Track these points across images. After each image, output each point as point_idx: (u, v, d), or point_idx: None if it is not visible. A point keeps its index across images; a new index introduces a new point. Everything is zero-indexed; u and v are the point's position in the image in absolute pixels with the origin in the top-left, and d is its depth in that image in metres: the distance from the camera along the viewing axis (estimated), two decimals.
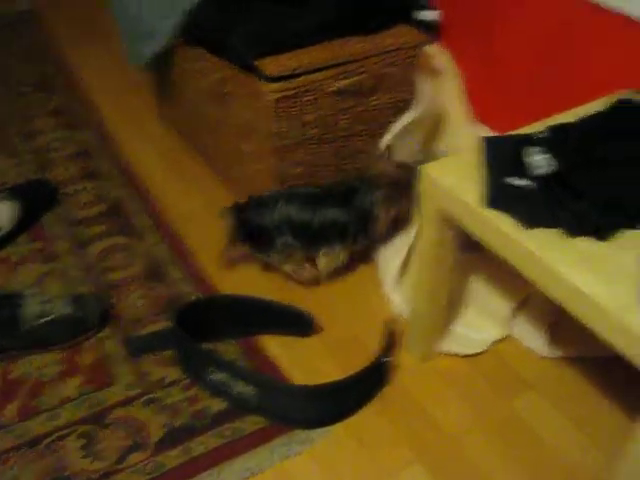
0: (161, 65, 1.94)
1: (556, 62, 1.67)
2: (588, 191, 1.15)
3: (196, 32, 1.75)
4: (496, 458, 1.36)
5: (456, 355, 1.54)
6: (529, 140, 1.26)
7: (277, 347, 1.55)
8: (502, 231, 1.16)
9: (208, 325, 1.54)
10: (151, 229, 1.85)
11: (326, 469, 1.33)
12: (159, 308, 1.62)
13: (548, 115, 1.72)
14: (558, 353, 1.55)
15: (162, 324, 1.58)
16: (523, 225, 1.16)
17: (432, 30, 1.83)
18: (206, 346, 1.53)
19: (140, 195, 1.98)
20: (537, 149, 1.18)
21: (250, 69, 1.60)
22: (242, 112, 1.70)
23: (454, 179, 1.26)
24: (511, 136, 1.32)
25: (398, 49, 1.69)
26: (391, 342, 1.50)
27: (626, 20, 1.49)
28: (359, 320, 1.63)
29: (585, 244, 1.12)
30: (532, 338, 1.55)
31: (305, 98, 1.62)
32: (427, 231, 1.35)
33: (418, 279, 1.44)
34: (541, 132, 1.28)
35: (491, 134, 1.86)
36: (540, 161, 1.17)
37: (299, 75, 1.58)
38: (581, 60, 1.61)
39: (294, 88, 1.59)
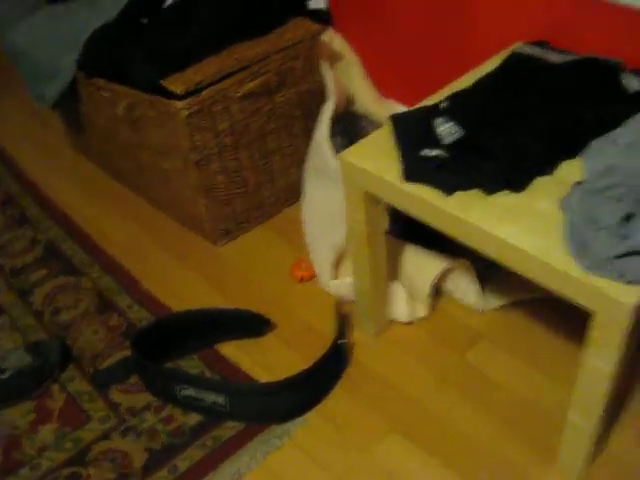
0: (67, 100, 1.94)
1: (447, 26, 1.75)
2: (495, 149, 1.23)
3: (95, 64, 1.76)
4: (462, 409, 1.45)
5: (404, 322, 1.62)
6: (435, 111, 1.33)
7: (237, 352, 1.60)
8: (425, 201, 1.24)
9: (166, 345, 1.58)
10: (91, 263, 1.87)
11: (309, 455, 1.39)
12: (116, 338, 1.65)
13: (450, 79, 1.82)
14: (494, 304, 1.64)
15: (122, 353, 1.62)
16: (443, 192, 1.23)
17: (324, 17, 1.89)
18: (169, 366, 1.57)
19: (72, 232, 1.98)
20: (442, 119, 1.25)
21: (156, 91, 1.63)
22: (156, 133, 1.72)
23: (372, 161, 1.32)
24: (417, 110, 1.39)
25: (297, 43, 1.74)
26: (343, 324, 1.57)
27: None
28: (309, 310, 1.69)
29: (502, 199, 1.20)
30: (468, 296, 1.64)
31: (215, 108, 1.65)
32: (355, 213, 1.42)
33: (356, 260, 1.50)
34: (443, 102, 1.35)
35: (400, 108, 1.96)
36: (447, 130, 1.24)
37: (205, 87, 1.62)
38: (472, 19, 1.69)
39: (202, 101, 1.62)
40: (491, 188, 1.22)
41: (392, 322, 1.63)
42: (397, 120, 1.38)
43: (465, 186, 1.24)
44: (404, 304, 1.59)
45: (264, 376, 1.54)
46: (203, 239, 1.90)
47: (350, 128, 1.80)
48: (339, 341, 1.52)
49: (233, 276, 1.80)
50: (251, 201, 1.87)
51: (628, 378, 1.46)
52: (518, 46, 1.54)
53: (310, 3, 1.88)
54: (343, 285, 1.64)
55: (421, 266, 1.61)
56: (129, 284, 1.80)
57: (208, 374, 1.55)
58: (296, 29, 1.77)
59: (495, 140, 1.23)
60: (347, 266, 1.71)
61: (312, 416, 1.46)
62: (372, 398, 1.49)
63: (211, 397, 1.43)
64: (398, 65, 1.93)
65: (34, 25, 1.88)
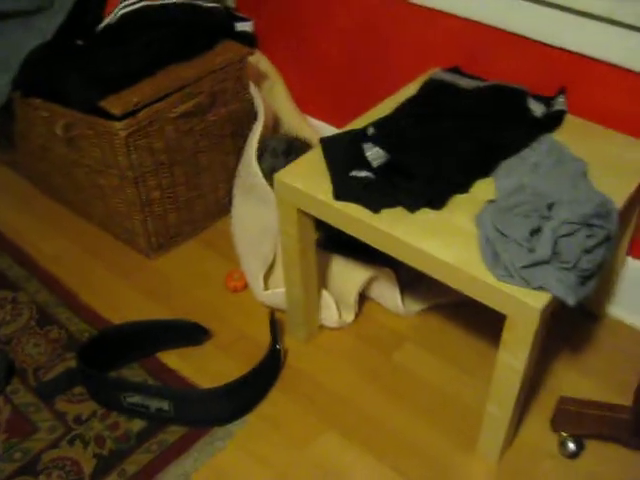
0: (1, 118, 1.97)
1: (365, 51, 1.89)
2: (415, 171, 1.36)
3: (32, 84, 1.81)
4: (391, 406, 1.58)
5: (333, 328, 1.75)
6: (362, 136, 1.46)
7: (177, 360, 1.69)
8: (355, 218, 1.36)
9: (109, 356, 1.65)
10: (27, 278, 1.91)
11: (251, 454, 1.50)
12: (57, 350, 1.71)
13: (371, 99, 1.96)
14: (416, 309, 1.78)
15: (65, 364, 1.67)
16: (371, 210, 1.36)
17: (250, 40, 1.99)
18: (112, 375, 1.65)
19: (6, 247, 2.01)
20: (370, 144, 1.38)
21: (94, 111, 1.70)
22: (93, 151, 1.79)
23: (305, 180, 1.44)
24: (345, 134, 1.51)
25: (228, 65, 1.84)
26: (277, 331, 1.68)
27: (425, 9, 1.72)
28: (244, 319, 1.79)
29: (424, 216, 1.35)
30: (391, 302, 1.77)
31: (151, 128, 1.74)
32: (288, 228, 1.53)
33: (288, 271, 1.61)
34: (369, 127, 1.48)
35: (323, 127, 2.09)
36: (374, 154, 1.37)
37: (142, 108, 1.70)
38: (390, 47, 1.83)
39: (140, 122, 1.70)
40: (413, 206, 1.36)
41: (321, 328, 1.75)
42: (327, 143, 1.50)
43: (390, 204, 1.37)
44: (333, 311, 1.71)
45: (205, 382, 1.63)
46: (137, 252, 1.97)
47: (291, 149, 1.91)
48: (275, 346, 1.63)
49: (169, 288, 1.88)
50: (183, 215, 1.96)
51: (537, 372, 1.64)
52: (434, 72, 1.69)
53: (237, 25, 1.98)
54: (275, 295, 1.74)
55: (347, 275, 1.73)
56: (67, 297, 1.85)
57: (151, 382, 1.63)
58: (226, 52, 1.86)
59: (416, 163, 1.37)
60: (276, 277, 1.82)
61: (252, 417, 1.56)
62: (307, 399, 1.60)
63: (156, 403, 1.52)
64: (320, 86, 2.06)
65: None
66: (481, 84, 1.63)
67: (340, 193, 1.39)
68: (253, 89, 1.96)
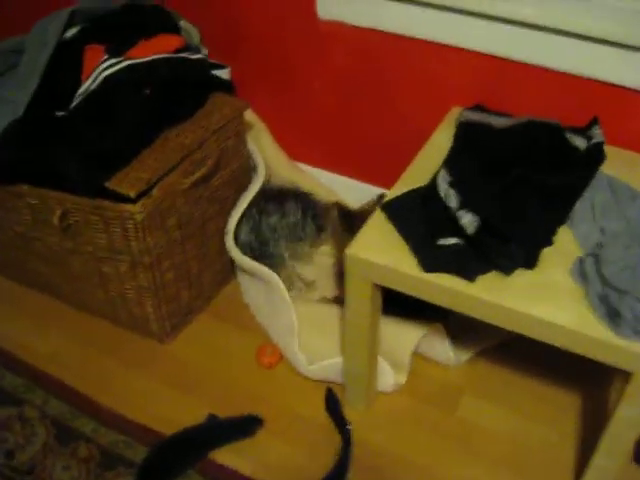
0: None
1: (368, 94, 1.79)
2: (513, 232, 1.29)
3: (13, 168, 1.56)
4: (469, 465, 1.51)
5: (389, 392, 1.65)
6: (434, 200, 1.37)
7: (233, 457, 1.53)
8: (448, 289, 1.27)
9: (163, 470, 1.47)
10: (28, 388, 1.66)
11: None
12: (95, 471, 1.50)
13: (375, 143, 1.86)
14: (465, 357, 1.71)
15: None
16: (466, 279, 1.28)
17: (229, 88, 1.83)
18: None
19: None
20: (463, 211, 1.29)
21: (101, 195, 1.49)
22: (97, 238, 1.57)
23: (381, 254, 1.33)
24: (408, 198, 1.41)
25: (227, 123, 1.67)
26: (339, 409, 1.56)
27: (435, 45, 1.64)
28: (289, 396, 1.65)
29: (520, 278, 1.28)
30: (443, 355, 1.69)
31: (163, 205, 1.55)
32: (358, 305, 1.42)
33: (351, 345, 1.50)
34: (444, 189, 1.38)
35: (312, 171, 1.97)
36: (469, 221, 1.28)
37: (153, 185, 1.51)
38: (397, 87, 1.74)
39: (155, 201, 1.51)
40: (510, 268, 1.29)
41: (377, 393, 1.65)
42: (392, 210, 1.40)
43: (483, 270, 1.29)
44: (389, 376, 1.61)
45: (268, 477, 1.49)
46: (147, 338, 1.77)
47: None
48: (346, 427, 1.51)
49: (194, 373, 1.70)
50: (194, 290, 1.78)
51: None
52: (461, 114, 1.62)
53: (219, 73, 1.81)
54: (323, 369, 1.62)
55: (399, 337, 1.63)
56: (83, 404, 1.62)
57: None
58: (221, 107, 1.69)
59: (508, 224, 1.30)
60: (308, 346, 1.69)
61: None
62: (388, 475, 1.50)
63: None
64: (311, 132, 1.94)
65: None
66: (514, 122, 1.57)
67: (429, 264, 1.30)
68: (250, 143, 1.81)
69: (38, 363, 1.72)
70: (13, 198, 1.62)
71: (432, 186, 1.42)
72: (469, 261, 1.29)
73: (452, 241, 1.31)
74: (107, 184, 1.49)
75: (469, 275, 1.27)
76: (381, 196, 1.77)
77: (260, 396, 1.65)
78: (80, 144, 1.54)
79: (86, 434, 1.56)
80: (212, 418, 1.57)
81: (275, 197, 1.79)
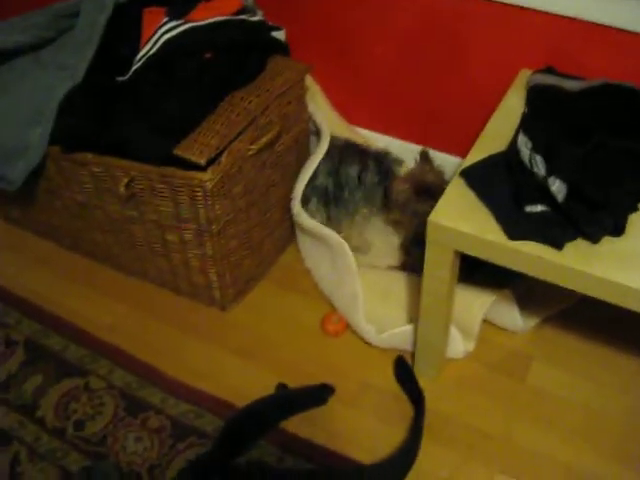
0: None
1: (434, 56, 1.73)
2: (604, 198, 1.25)
3: (77, 137, 1.53)
4: (545, 434, 1.50)
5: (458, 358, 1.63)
6: (518, 166, 1.33)
7: (306, 427, 1.51)
8: (535, 257, 1.24)
9: (236, 441, 1.46)
10: (93, 358, 1.64)
11: None
12: (167, 442, 1.48)
13: (440, 108, 1.81)
14: (531, 324, 1.68)
15: (183, 457, 1.46)
16: (554, 246, 1.25)
17: (285, 50, 1.78)
18: (241, 460, 1.45)
19: (51, 324, 1.73)
20: (553, 178, 1.25)
21: (167, 162, 1.46)
22: (162, 206, 1.54)
23: (465, 221, 1.29)
24: (488, 164, 1.38)
25: (290, 87, 1.63)
26: (413, 377, 1.54)
27: (507, 5, 1.58)
28: (357, 364, 1.64)
29: (609, 245, 1.25)
30: (511, 322, 1.67)
31: (231, 172, 1.52)
32: (439, 272, 1.38)
33: (428, 312, 1.47)
34: (529, 155, 1.34)
35: (370, 135, 1.93)
36: (558, 188, 1.25)
37: (222, 152, 1.47)
38: (464, 50, 1.68)
39: (225, 168, 1.48)
40: (598, 235, 1.25)
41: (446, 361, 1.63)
42: (472, 177, 1.36)
43: (569, 237, 1.26)
44: (459, 343, 1.59)
45: (346, 447, 1.48)
46: (208, 306, 1.75)
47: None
48: (420, 394, 1.50)
49: (260, 341, 1.69)
50: (256, 258, 1.75)
51: None
52: (532, 77, 1.57)
53: (275, 34, 1.76)
54: (394, 337, 1.60)
55: (468, 304, 1.60)
56: (150, 374, 1.61)
57: (290, 459, 1.45)
58: (283, 71, 1.64)
59: (599, 189, 1.26)
60: (373, 314, 1.67)
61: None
62: (461, 444, 1.49)
63: None
64: (371, 94, 1.89)
65: None
66: (588, 84, 1.52)
67: (514, 232, 1.26)
68: (312, 107, 1.77)
69: (100, 334, 1.70)
70: (76, 167, 1.58)
71: (512, 152, 1.38)
72: (556, 228, 1.26)
73: (539, 208, 1.28)
74: (175, 151, 1.46)
75: (557, 243, 1.24)
76: (424, 153, 1.74)
77: (327, 364, 1.63)
78: (144, 111, 1.50)
79: (155, 404, 1.55)
80: (282, 388, 1.56)
81: (355, 150, 1.76)
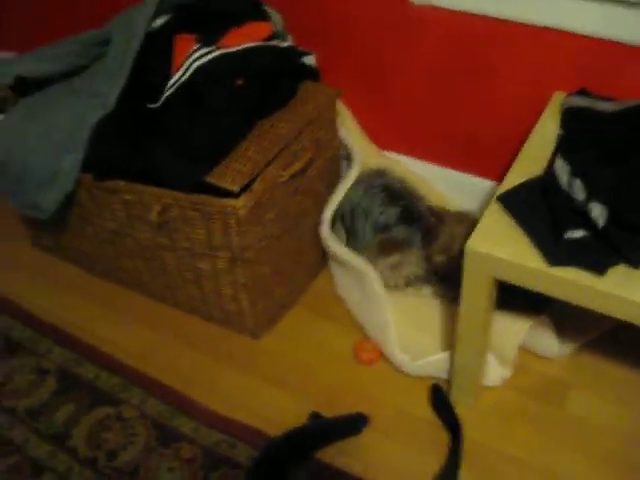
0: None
1: (456, 83, 1.73)
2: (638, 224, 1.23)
3: (109, 164, 1.53)
4: (589, 466, 1.45)
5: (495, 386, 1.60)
6: (554, 191, 1.31)
7: (341, 457, 1.48)
8: (576, 284, 1.22)
9: (272, 472, 1.43)
10: (124, 386, 1.63)
11: None
12: (199, 473, 1.46)
13: (471, 132, 1.79)
14: (567, 350, 1.65)
15: None
16: (596, 272, 1.22)
17: (315, 75, 1.78)
18: None
19: (83, 352, 1.72)
20: (595, 203, 1.23)
21: (199, 189, 1.45)
22: (194, 234, 1.53)
23: (503, 248, 1.27)
24: (524, 189, 1.36)
25: (321, 112, 1.63)
26: (450, 406, 1.52)
27: (530, 27, 1.57)
28: (391, 393, 1.61)
29: None
30: (549, 348, 1.63)
31: (264, 199, 1.51)
32: (476, 300, 1.36)
33: (464, 340, 1.45)
34: (557, 178, 1.33)
35: (400, 159, 1.91)
36: (599, 213, 1.22)
37: (255, 179, 1.47)
38: (492, 75, 1.67)
39: (257, 195, 1.47)
40: (638, 261, 1.23)
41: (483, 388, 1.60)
42: (509, 202, 1.35)
43: (612, 262, 1.24)
44: (497, 370, 1.56)
45: (382, 477, 1.45)
46: (240, 334, 1.73)
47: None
48: (457, 424, 1.47)
49: (293, 370, 1.66)
50: (288, 285, 1.74)
51: None
52: (566, 99, 1.56)
53: (306, 59, 1.76)
54: (429, 365, 1.58)
55: (504, 330, 1.58)
56: (182, 403, 1.59)
57: None
58: (315, 96, 1.64)
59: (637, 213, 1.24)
60: (405, 339, 1.65)
61: None
62: (501, 474, 1.45)
63: None
64: (397, 119, 1.88)
65: (10, 126, 1.59)
66: (623, 106, 1.50)
67: (554, 258, 1.24)
68: (342, 131, 1.76)
69: (131, 361, 1.69)
70: (107, 194, 1.58)
71: (550, 176, 1.36)
72: (597, 254, 1.24)
73: (579, 234, 1.25)
74: (208, 178, 1.45)
75: (599, 268, 1.22)
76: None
77: (361, 392, 1.61)
78: (177, 138, 1.51)
79: (187, 434, 1.53)
80: (316, 416, 1.53)
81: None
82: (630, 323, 1.22)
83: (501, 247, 1.28)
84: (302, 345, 1.72)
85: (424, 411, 1.57)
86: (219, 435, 1.53)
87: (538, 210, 1.32)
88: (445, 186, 1.90)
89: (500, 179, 1.83)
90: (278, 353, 1.70)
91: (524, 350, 1.66)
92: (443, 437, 1.51)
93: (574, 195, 1.28)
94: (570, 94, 1.57)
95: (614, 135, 1.42)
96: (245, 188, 1.45)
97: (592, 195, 1.25)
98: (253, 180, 1.46)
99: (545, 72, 1.61)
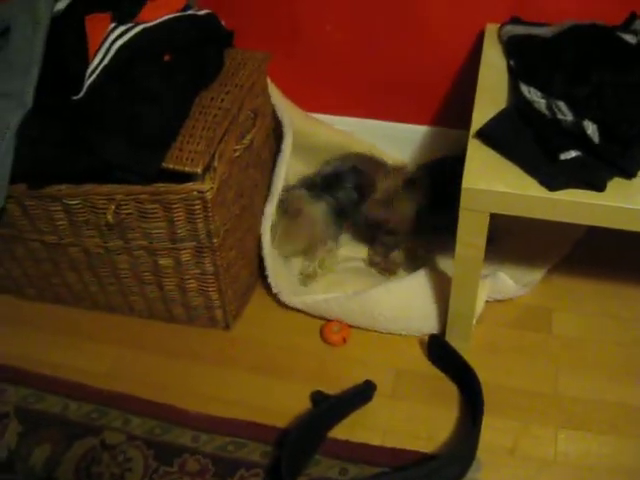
0: None
1: (381, 28, 1.67)
2: (632, 135, 1.24)
3: (45, 169, 1.34)
4: (590, 382, 1.48)
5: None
6: (535, 116, 1.29)
7: (356, 430, 1.41)
8: (580, 203, 1.22)
9: (292, 466, 1.34)
10: (100, 412, 1.45)
11: None
12: None
13: (403, 77, 1.74)
14: (537, 277, 1.67)
15: None
16: (595, 189, 1.22)
17: (230, 40, 1.65)
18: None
19: (44, 386, 1.52)
20: (587, 121, 1.22)
21: (158, 178, 1.31)
22: (153, 229, 1.38)
23: (499, 181, 1.25)
24: (504, 117, 1.33)
25: (256, 78, 1.51)
26: (454, 351, 1.49)
27: None
28: (386, 357, 1.56)
29: None
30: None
31: (225, 177, 1.39)
32: (474, 239, 1.33)
33: (461, 284, 1.42)
34: (534, 104, 1.31)
35: (327, 119, 1.84)
36: (593, 130, 1.22)
37: (213, 157, 1.34)
38: (417, 14, 1.63)
39: (221, 175, 1.35)
40: (635, 171, 1.24)
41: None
42: (492, 134, 1.31)
43: (608, 177, 1.24)
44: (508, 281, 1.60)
45: (399, 440, 1.40)
46: (210, 329, 1.60)
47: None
48: (471, 370, 1.44)
49: (271, 355, 1.56)
50: (250, 266, 1.63)
51: None
52: (503, 29, 1.55)
53: None
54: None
55: None
56: (167, 414, 1.45)
57: (353, 469, 1.35)
58: (244, 62, 1.52)
59: (626, 125, 1.24)
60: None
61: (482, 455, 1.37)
62: (515, 409, 1.45)
63: None
64: (320, 78, 1.80)
65: None
66: (560, 28, 1.51)
67: (553, 182, 1.23)
68: (273, 97, 1.66)
69: (99, 383, 1.52)
70: (45, 203, 1.39)
71: (523, 103, 1.34)
72: (594, 171, 1.23)
73: (572, 154, 1.24)
74: (165, 164, 1.31)
75: (599, 185, 1.22)
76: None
77: (352, 362, 1.54)
78: (116, 128, 1.34)
79: (187, 445, 1.40)
80: (320, 395, 1.45)
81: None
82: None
83: (497, 181, 1.25)
84: (275, 327, 1.62)
85: (422, 366, 1.53)
86: (221, 438, 1.41)
87: (521, 138, 1.30)
88: (374, 139, 1.85)
89: (432, 123, 1.82)
90: (253, 339, 1.60)
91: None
92: (448, 387, 1.49)
93: (560, 117, 1.27)
94: (504, 24, 1.57)
95: (567, 56, 1.42)
96: (206, 169, 1.33)
97: (581, 114, 1.25)
98: (212, 159, 1.34)
99: (474, 4, 1.59)
